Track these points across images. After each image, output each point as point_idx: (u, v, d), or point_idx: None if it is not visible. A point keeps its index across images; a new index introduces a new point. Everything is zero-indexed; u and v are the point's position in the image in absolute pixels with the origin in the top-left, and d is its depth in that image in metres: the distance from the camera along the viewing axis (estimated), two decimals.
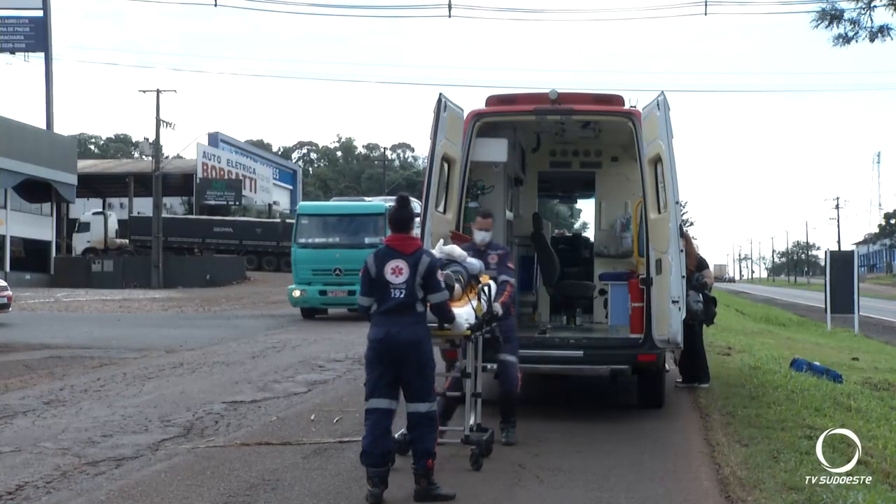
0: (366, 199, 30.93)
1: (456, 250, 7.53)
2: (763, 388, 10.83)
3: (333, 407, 9.62)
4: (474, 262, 7.57)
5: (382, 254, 6.40)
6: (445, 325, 6.66)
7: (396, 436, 6.77)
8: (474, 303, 7.19)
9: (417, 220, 6.94)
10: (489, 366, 7.77)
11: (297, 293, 22.18)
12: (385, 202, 23.42)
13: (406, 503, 6.18)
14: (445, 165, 9.16)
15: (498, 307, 7.57)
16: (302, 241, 22.42)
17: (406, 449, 6.67)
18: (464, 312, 6.90)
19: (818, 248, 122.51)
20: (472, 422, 7.43)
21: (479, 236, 8.27)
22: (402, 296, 6.27)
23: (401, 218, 6.44)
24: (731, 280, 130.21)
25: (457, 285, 7.01)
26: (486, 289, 7.46)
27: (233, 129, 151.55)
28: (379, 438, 6.25)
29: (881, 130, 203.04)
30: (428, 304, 6.42)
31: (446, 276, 6.89)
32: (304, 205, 25.79)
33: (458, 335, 6.95)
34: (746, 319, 32.01)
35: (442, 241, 8.07)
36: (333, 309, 23.14)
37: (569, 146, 12.22)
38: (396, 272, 6.30)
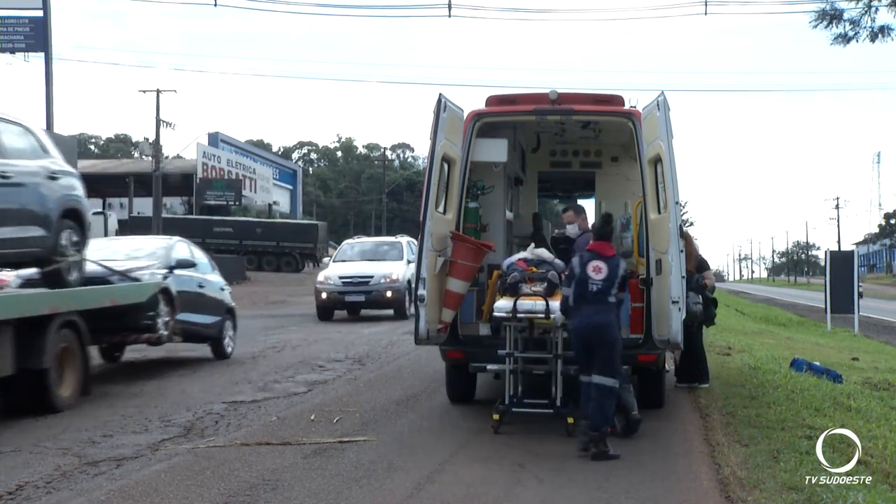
0: None
1: (545, 253, 8.81)
2: (763, 388, 10.83)
3: (333, 407, 9.63)
4: (560, 263, 8.71)
5: (586, 258, 7.82)
6: None
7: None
8: None
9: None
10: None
11: None
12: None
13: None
14: (445, 166, 9.15)
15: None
16: None
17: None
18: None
19: (818, 248, 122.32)
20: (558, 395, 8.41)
21: (571, 229, 9.73)
22: (598, 289, 7.68)
23: (605, 233, 8.10)
24: (722, 279, 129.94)
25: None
26: None
27: (233, 129, 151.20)
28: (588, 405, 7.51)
29: (881, 130, 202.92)
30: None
31: (551, 275, 8.45)
32: None
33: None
34: (746, 319, 32.02)
35: (532, 244, 9.24)
36: None
37: (569, 146, 12.21)
38: (597, 270, 7.72)
